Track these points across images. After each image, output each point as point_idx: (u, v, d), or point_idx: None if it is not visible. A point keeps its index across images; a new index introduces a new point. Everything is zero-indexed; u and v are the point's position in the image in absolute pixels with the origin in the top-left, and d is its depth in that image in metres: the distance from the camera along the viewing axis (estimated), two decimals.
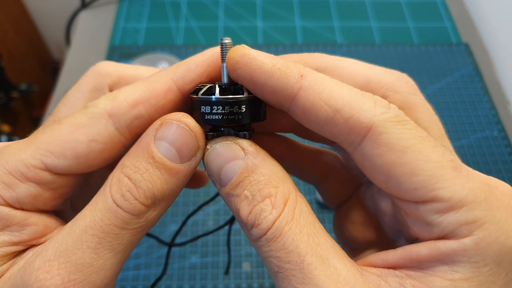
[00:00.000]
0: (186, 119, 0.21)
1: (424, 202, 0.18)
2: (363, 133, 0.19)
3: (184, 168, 0.21)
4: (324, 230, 0.20)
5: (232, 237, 0.53)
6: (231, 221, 0.36)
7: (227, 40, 0.22)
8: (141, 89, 0.22)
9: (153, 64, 0.63)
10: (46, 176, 0.21)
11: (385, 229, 0.25)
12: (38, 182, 0.21)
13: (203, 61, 0.23)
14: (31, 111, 1.24)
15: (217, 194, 0.36)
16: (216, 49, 0.23)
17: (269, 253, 0.19)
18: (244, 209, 0.20)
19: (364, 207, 0.27)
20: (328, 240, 0.19)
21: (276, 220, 0.19)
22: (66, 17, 0.82)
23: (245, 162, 0.20)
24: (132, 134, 0.22)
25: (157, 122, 0.21)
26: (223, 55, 0.22)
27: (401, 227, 0.23)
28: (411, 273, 0.19)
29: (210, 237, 0.52)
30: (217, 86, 0.22)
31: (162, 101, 0.22)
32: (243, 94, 0.21)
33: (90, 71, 0.27)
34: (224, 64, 0.22)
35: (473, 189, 0.17)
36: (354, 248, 0.26)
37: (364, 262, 0.21)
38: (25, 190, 0.21)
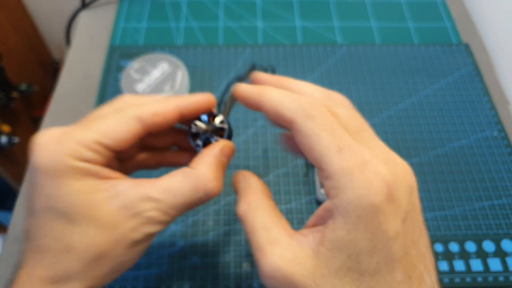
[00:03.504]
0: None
1: (319, 170, 0.27)
2: (290, 125, 0.28)
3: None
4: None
5: (232, 237, 0.53)
6: None
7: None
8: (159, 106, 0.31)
9: (153, 64, 0.63)
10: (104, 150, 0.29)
11: None
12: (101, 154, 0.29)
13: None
14: (32, 111, 1.23)
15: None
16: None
17: None
18: None
19: None
20: (271, 212, 0.29)
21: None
22: (66, 17, 0.82)
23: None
24: (146, 131, 0.31)
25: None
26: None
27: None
28: (320, 228, 0.26)
29: (210, 237, 0.53)
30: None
31: (170, 118, 0.31)
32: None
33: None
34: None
35: (342, 166, 0.25)
36: None
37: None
38: (105, 155, 0.29)
